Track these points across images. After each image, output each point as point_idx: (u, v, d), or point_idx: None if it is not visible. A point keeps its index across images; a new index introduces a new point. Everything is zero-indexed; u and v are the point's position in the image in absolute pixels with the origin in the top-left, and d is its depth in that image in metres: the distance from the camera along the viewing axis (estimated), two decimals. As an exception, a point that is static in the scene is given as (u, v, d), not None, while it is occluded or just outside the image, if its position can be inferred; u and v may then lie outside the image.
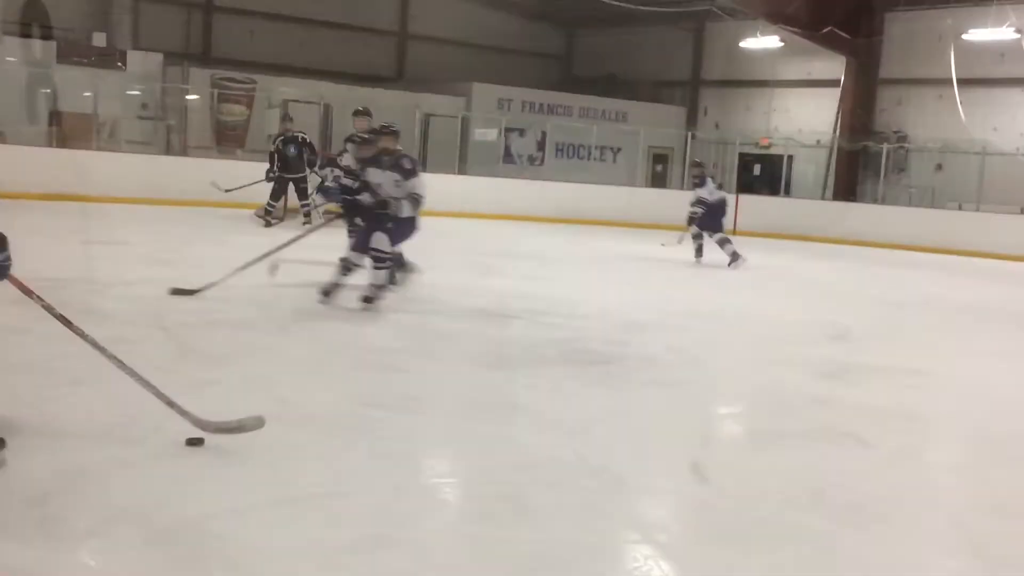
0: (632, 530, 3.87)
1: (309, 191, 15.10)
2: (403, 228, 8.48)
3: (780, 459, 4.94)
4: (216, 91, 21.66)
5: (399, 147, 8.61)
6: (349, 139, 10.44)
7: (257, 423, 4.33)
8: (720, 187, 14.40)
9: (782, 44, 23.92)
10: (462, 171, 21.82)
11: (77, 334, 4.33)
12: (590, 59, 29.64)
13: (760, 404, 6.30)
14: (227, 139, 21.56)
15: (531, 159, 25.44)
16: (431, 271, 9.89)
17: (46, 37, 19.91)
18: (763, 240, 19.23)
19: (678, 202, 21.89)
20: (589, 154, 25.90)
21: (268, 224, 14.74)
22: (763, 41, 23.88)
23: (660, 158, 26.80)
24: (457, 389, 5.91)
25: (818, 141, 24.80)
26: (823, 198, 23.86)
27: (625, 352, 7.41)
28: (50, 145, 18.68)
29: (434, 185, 19.07)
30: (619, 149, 25.90)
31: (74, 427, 4.39)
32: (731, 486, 4.43)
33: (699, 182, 13.94)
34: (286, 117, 15.99)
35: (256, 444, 4.35)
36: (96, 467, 3.95)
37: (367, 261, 8.32)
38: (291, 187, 15.14)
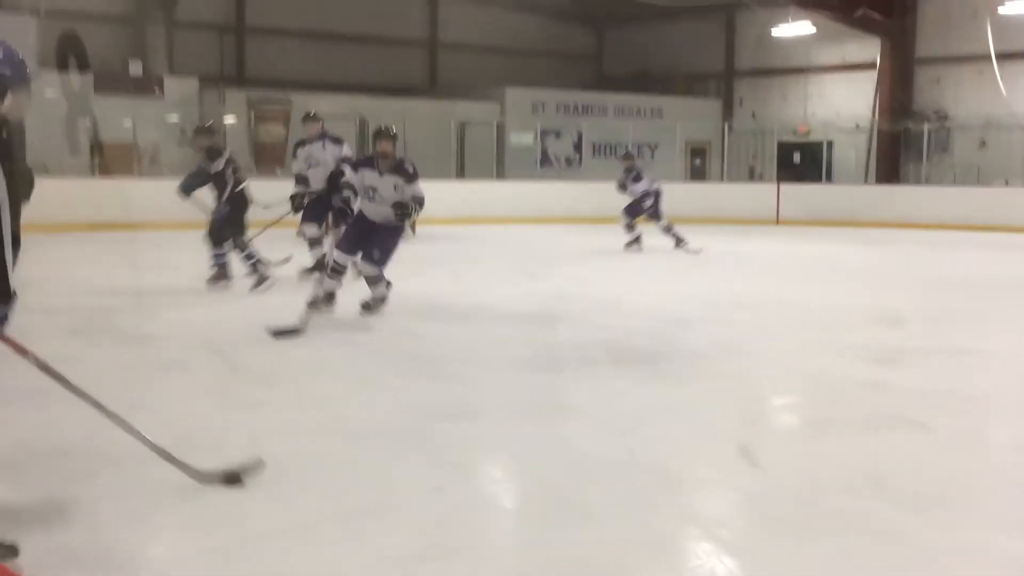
0: (691, 526, 3.86)
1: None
2: (393, 239, 8.36)
3: (837, 447, 4.91)
4: (253, 111, 21.87)
5: (400, 155, 8.56)
6: (300, 144, 10.88)
7: (255, 465, 4.17)
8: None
9: (815, 29, 23.72)
10: (500, 176, 21.85)
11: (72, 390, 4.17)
12: (621, 56, 29.58)
13: (813, 393, 6.26)
14: (266, 158, 21.75)
15: (568, 161, 25.44)
16: (477, 278, 9.91)
17: (83, 69, 20.19)
18: (807, 228, 19.10)
19: (719, 195, 21.92)
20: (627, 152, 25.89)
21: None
22: (795, 27, 23.70)
23: (698, 152, 26.70)
24: (508, 394, 5.93)
25: (857, 125, 24.58)
26: (866, 182, 23.64)
27: (672, 348, 7.40)
28: (93, 175, 18.96)
29: (474, 192, 19.13)
30: (656, 145, 25.83)
31: (129, 451, 4.45)
32: (788, 477, 4.41)
33: (636, 176, 14.39)
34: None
35: (313, 458, 4.39)
36: (152, 489, 4.01)
37: (357, 262, 8.27)
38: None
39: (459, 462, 4.55)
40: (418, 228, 16.32)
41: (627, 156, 15.36)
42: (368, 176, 8.22)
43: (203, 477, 4.03)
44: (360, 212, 8.40)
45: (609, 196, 20.53)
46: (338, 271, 8.26)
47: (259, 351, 6.99)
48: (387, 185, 8.18)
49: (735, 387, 6.23)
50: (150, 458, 4.06)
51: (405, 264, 12.58)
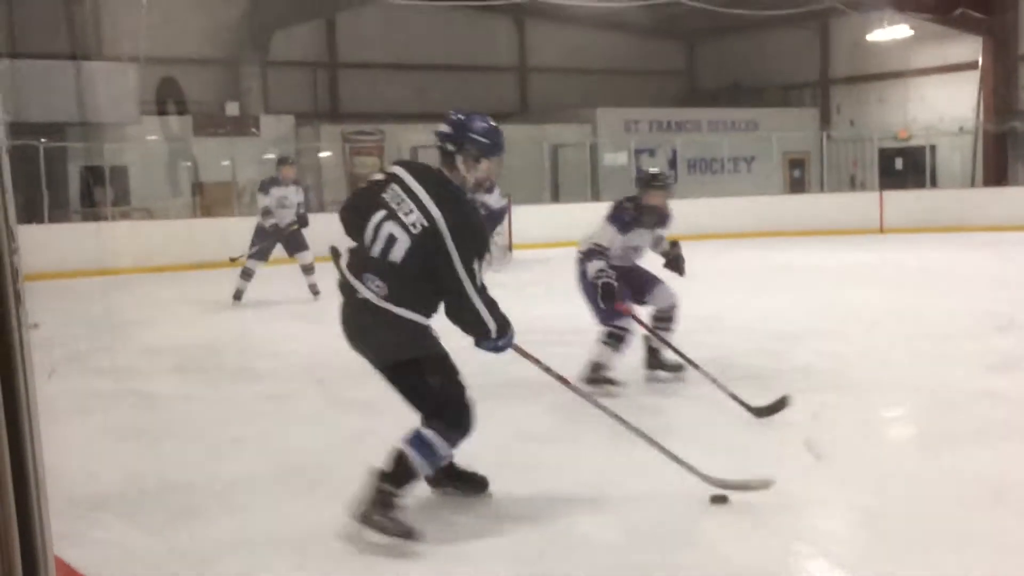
0: (806, 545, 3.79)
1: None
2: None
3: (954, 460, 4.77)
4: (347, 145, 22.24)
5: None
6: (272, 182, 11.70)
7: (763, 484, 4.19)
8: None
9: (912, 32, 23.27)
10: (595, 198, 21.84)
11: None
12: (713, 70, 29.40)
13: (927, 405, 6.11)
14: (362, 190, 22.10)
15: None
16: (577, 300, 9.88)
17: (182, 112, 20.79)
18: (913, 235, 18.68)
19: (820, 206, 21.58)
20: (722, 167, 25.66)
21: None
22: (892, 31, 23.27)
23: (797, 163, 26.35)
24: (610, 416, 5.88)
25: (960, 128, 24.01)
26: (972, 185, 23.06)
27: (778, 364, 7.29)
28: (194, 216, 19.43)
29: (569, 214, 19.12)
30: (752, 158, 25.58)
31: (236, 486, 4.53)
32: (905, 492, 4.30)
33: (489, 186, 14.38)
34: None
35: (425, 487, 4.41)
36: (260, 523, 4.06)
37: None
38: None
39: (564, 487, 4.52)
40: (514, 252, 16.41)
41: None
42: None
43: (719, 482, 4.19)
44: None
45: (704, 211, 20.47)
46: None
47: (360, 383, 7.04)
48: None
49: (845, 401, 6.11)
50: (257, 493, 4.11)
51: (503, 290, 12.67)
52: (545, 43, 27.16)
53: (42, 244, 14.70)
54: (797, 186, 25.84)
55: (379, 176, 4.10)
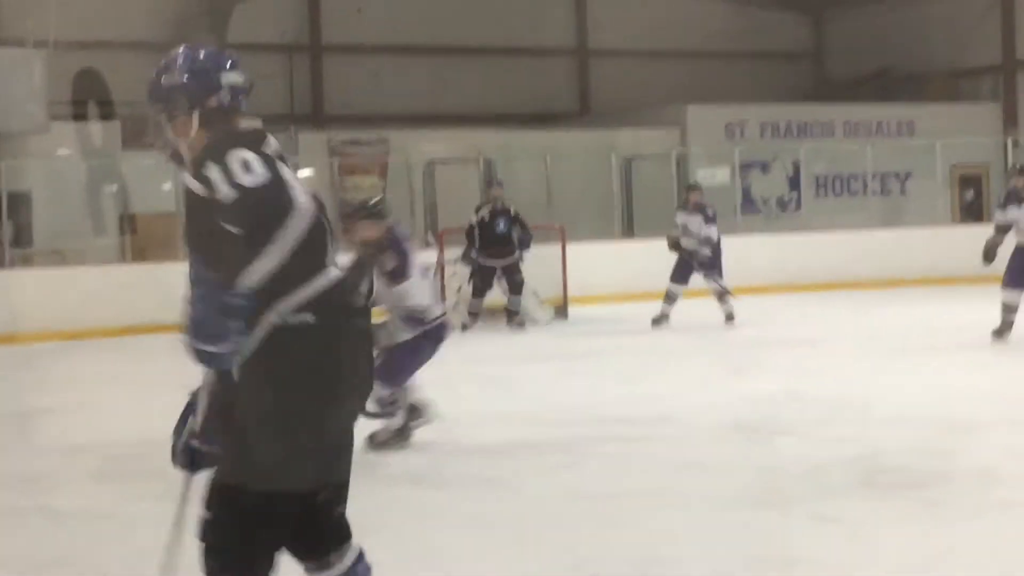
0: None
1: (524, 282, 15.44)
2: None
3: None
4: (336, 159, 22.30)
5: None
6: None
7: None
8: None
9: None
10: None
11: None
12: (851, 52, 29.34)
13: None
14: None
15: (782, 203, 25.28)
16: (657, 378, 9.87)
17: (107, 117, 20.88)
18: None
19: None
20: (865, 186, 25.53)
21: (464, 327, 14.83)
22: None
23: (970, 180, 26.22)
24: (714, 541, 5.85)
25: None
26: None
27: (950, 466, 7.23)
28: (124, 260, 19.46)
29: (647, 253, 19.11)
30: (908, 175, 25.48)
31: None
32: None
33: (711, 214, 15.17)
34: (494, 182, 16.32)
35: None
36: None
37: None
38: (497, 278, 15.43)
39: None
40: (571, 309, 16.37)
41: (693, 187, 16.09)
42: None
43: None
44: None
45: (840, 249, 20.32)
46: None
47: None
48: None
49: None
50: None
51: (553, 362, 12.66)
52: (614, 19, 27.27)
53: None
54: (972, 213, 25.68)
55: None
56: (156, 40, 22.84)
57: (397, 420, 8.26)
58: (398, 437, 8.21)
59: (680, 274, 15.03)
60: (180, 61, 4.05)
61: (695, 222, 14.97)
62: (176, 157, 3.90)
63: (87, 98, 21.13)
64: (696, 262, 14.87)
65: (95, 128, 20.81)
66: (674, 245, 14.96)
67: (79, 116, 20.86)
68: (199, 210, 3.67)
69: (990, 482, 6.85)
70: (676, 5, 27.22)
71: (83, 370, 13.01)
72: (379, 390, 7.64)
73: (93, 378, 12.46)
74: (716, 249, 14.97)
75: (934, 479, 6.93)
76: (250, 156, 3.62)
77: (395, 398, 8.17)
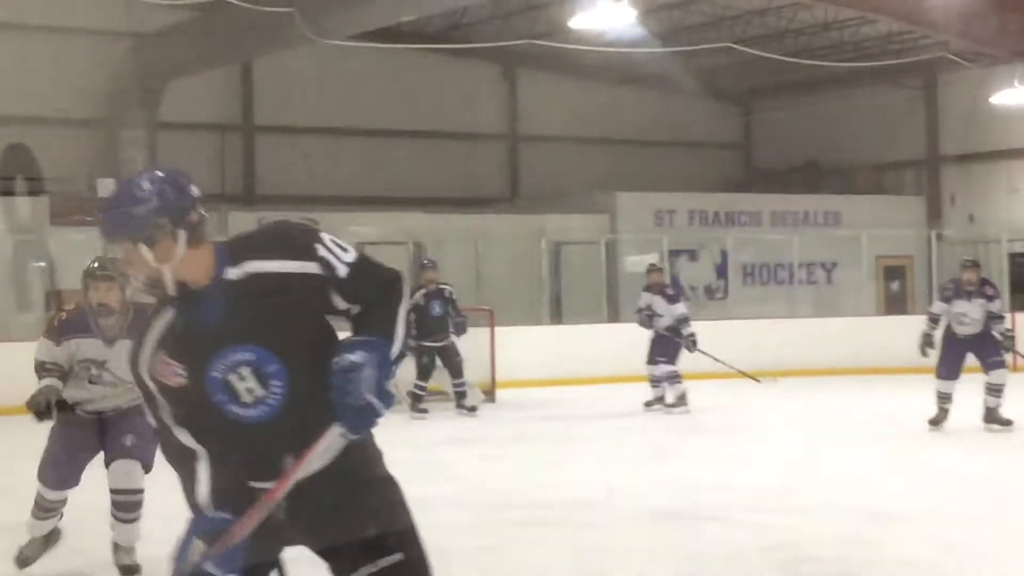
0: None
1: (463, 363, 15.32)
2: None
3: None
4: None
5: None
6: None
7: None
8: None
9: (1053, 93, 23.59)
10: (612, 318, 21.81)
11: None
12: (779, 143, 29.60)
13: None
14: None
15: (709, 290, 25.38)
16: (580, 463, 9.83)
17: (35, 192, 20.76)
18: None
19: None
20: (791, 275, 25.72)
21: (420, 412, 14.87)
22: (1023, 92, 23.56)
23: (895, 271, 26.46)
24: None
25: None
26: None
27: (874, 556, 7.24)
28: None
29: (576, 339, 19.13)
30: (834, 265, 25.68)
31: None
32: None
33: (671, 293, 15.54)
34: (427, 265, 16.16)
35: None
36: None
37: None
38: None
39: None
40: (499, 392, 16.32)
41: (653, 269, 16.27)
42: None
43: None
44: None
45: (765, 338, 20.40)
46: None
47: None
48: None
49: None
50: None
51: (478, 445, 12.60)
52: (545, 103, 27.41)
53: None
54: (896, 304, 25.88)
55: None
56: (87, 117, 22.82)
57: None
58: None
59: (659, 352, 15.20)
60: (148, 186, 3.83)
61: (659, 303, 15.12)
62: (156, 285, 3.78)
63: (15, 174, 21.00)
64: (684, 344, 14.98)
65: (23, 203, 20.67)
66: (645, 323, 15.29)
67: (7, 191, 20.71)
68: (309, 293, 3.76)
69: (914, 573, 6.84)
70: (607, 93, 27.38)
71: (8, 464, 12.79)
72: None
73: (10, 455, 12.25)
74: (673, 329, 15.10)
75: (858, 568, 6.93)
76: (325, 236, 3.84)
77: None
